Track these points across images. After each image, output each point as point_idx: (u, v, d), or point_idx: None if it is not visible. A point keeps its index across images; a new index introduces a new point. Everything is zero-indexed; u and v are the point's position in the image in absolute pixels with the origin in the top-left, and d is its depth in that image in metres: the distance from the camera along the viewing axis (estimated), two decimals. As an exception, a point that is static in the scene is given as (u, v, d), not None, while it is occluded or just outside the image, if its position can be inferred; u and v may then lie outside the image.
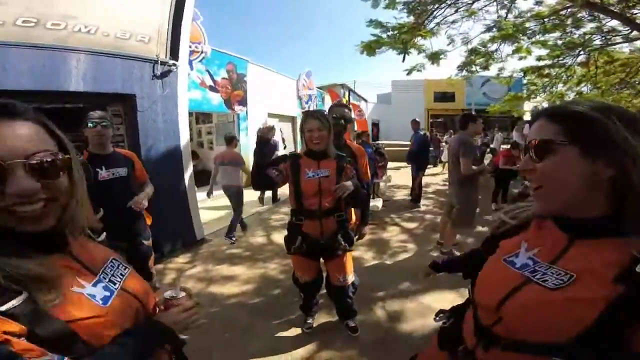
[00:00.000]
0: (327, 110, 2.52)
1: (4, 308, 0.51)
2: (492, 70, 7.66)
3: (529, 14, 5.89)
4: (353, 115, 12.75)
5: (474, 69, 7.35)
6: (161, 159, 3.77)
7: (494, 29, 5.97)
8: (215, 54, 6.27)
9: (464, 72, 7.50)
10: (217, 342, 2.14)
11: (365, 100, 20.03)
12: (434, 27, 6.21)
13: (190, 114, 7.70)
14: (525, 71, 7.94)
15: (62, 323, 0.56)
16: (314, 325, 2.30)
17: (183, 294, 0.80)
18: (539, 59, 7.40)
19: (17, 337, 0.50)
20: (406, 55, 5.96)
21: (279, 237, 3.47)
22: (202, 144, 7.89)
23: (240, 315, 2.47)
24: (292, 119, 9.75)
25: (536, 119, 0.70)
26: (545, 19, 5.90)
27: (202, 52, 5.85)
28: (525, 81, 9.10)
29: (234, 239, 4.03)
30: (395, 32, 5.72)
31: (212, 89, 6.45)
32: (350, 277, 2.09)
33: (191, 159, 4.32)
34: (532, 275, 0.71)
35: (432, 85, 20.58)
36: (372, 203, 4.66)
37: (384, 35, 5.80)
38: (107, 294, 0.71)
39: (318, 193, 1.85)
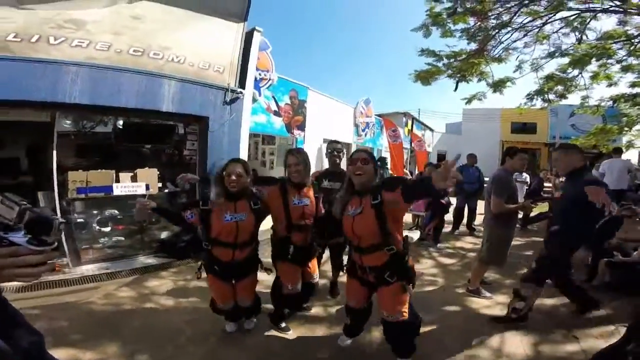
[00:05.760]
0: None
1: (207, 207, 2.10)
2: (576, 99, 6.92)
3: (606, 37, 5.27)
4: (413, 146, 12.57)
5: (550, 97, 6.66)
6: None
7: (556, 54, 5.50)
8: (280, 81, 7.03)
9: (536, 102, 6.86)
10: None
11: (432, 130, 19.41)
12: (501, 52, 5.98)
13: (257, 135, 8.69)
14: (616, 100, 6.96)
15: (210, 219, 2.11)
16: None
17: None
18: (633, 85, 6.48)
19: None
20: (459, 84, 5.83)
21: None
22: (264, 164, 8.71)
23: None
24: (348, 146, 10.10)
25: (359, 152, 1.92)
26: (634, 40, 5.25)
27: (269, 79, 6.59)
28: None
29: None
30: (451, 60, 5.70)
31: (276, 113, 7.20)
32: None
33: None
34: (354, 214, 1.87)
35: (509, 114, 19.04)
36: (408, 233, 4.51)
37: (440, 64, 5.82)
38: (229, 219, 2.09)
39: (302, 217, 2.28)
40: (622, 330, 2.42)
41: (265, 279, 2.66)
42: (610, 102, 7.01)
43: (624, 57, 5.57)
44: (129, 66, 3.61)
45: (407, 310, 1.92)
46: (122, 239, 3.93)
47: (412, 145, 11.35)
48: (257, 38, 5.03)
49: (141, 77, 3.67)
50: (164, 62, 3.89)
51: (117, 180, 3.71)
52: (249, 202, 2.17)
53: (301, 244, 2.33)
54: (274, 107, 7.15)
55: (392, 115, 13.03)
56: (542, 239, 5.36)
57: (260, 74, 6.44)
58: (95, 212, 3.80)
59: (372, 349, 2.33)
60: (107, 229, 3.84)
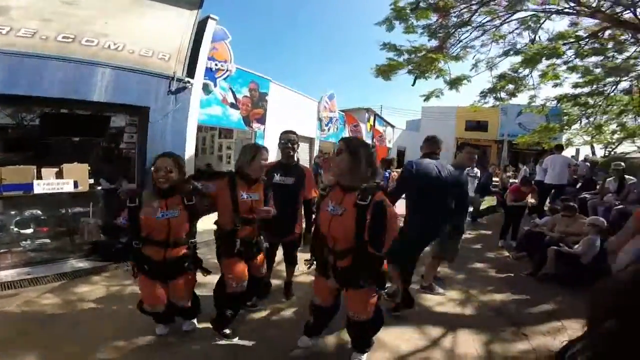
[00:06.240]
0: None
1: (135, 204, 2.00)
2: (524, 98, 7.27)
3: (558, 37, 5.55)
4: (374, 141, 12.76)
5: (502, 95, 6.90)
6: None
7: (511, 52, 5.75)
8: (239, 73, 6.70)
9: (489, 99, 7.11)
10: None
11: (392, 126, 19.89)
12: (460, 51, 6.09)
13: (213, 128, 8.24)
14: (560, 99, 7.44)
15: (139, 217, 1.98)
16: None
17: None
18: (576, 86, 6.96)
19: None
20: (417, 79, 5.90)
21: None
22: (221, 158, 8.33)
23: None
24: (310, 141, 10.00)
25: (340, 140, 1.85)
26: (582, 42, 5.60)
27: (227, 70, 6.26)
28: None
29: None
30: (411, 55, 5.73)
31: (233, 105, 6.87)
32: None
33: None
34: (333, 213, 1.77)
35: (464, 113, 19.92)
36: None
37: (400, 59, 5.83)
38: (160, 216, 1.99)
39: (250, 211, 2.23)
40: (568, 326, 2.56)
41: (208, 281, 2.45)
42: (555, 102, 7.49)
43: (571, 58, 5.94)
44: (54, 53, 3.22)
45: (373, 309, 1.93)
46: (48, 241, 3.48)
47: (374, 140, 11.52)
48: (211, 26, 4.70)
49: (67, 64, 3.29)
50: (98, 48, 3.50)
51: (39, 177, 3.25)
52: (183, 198, 2.10)
53: (248, 238, 2.26)
54: (230, 99, 6.81)
55: (355, 111, 13.10)
56: (490, 232, 5.71)
57: (217, 65, 6.07)
58: (13, 212, 3.31)
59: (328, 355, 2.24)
60: (29, 231, 3.37)
